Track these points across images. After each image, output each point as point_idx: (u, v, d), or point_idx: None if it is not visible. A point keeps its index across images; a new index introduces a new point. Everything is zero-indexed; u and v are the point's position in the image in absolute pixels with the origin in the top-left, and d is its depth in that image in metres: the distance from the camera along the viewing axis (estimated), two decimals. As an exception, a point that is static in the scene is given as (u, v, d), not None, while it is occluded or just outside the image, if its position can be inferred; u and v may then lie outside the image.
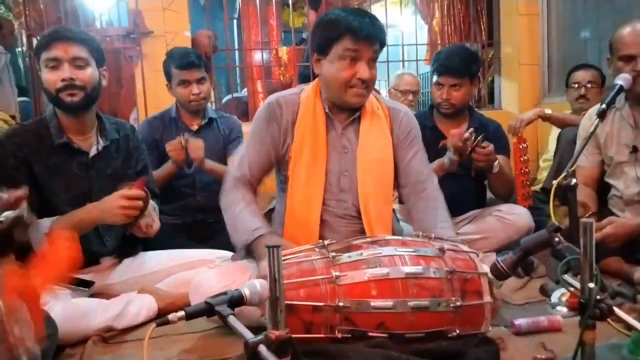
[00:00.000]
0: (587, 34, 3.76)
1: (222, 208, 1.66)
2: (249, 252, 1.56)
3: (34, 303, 0.78)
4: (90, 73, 1.67)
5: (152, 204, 1.71)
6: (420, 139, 1.80)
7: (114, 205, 1.54)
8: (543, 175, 3.04)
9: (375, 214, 1.65)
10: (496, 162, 2.06)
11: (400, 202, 2.30)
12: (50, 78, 1.64)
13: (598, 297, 1.03)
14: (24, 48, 4.37)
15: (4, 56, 4.29)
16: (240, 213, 1.59)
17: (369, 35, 1.55)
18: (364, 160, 1.67)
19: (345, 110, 1.68)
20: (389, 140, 1.72)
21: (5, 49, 4.12)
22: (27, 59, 4.27)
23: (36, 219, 1.53)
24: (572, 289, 1.12)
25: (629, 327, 1.13)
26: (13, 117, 2.72)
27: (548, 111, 2.71)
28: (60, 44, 1.63)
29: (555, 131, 2.90)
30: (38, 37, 3.60)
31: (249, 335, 0.93)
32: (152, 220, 1.66)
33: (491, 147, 2.01)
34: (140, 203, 1.55)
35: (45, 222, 1.57)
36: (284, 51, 3.99)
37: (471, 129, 2.01)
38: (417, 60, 4.18)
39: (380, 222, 1.65)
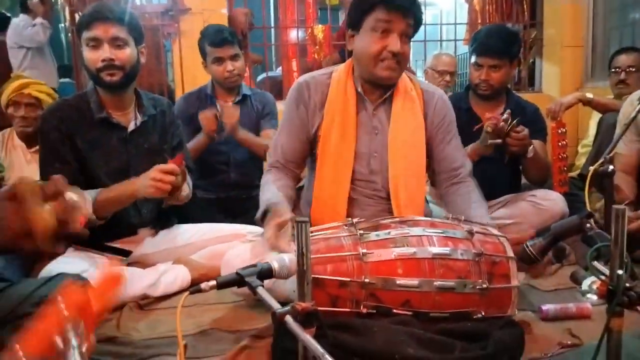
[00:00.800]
0: (637, 16, 3.60)
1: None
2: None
3: (89, 319, 0.89)
4: (129, 53, 1.72)
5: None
6: (455, 123, 1.77)
7: (147, 176, 1.58)
8: (581, 161, 2.96)
9: (405, 197, 1.64)
10: (531, 147, 2.01)
11: (431, 184, 2.30)
12: (91, 57, 1.69)
13: (627, 284, 1.02)
14: (67, 24, 4.48)
15: (48, 30, 4.43)
16: (263, 192, 1.62)
17: (402, 6, 1.53)
18: (395, 142, 1.66)
19: (377, 89, 1.67)
20: (421, 123, 1.70)
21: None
22: (69, 34, 4.40)
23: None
24: (601, 276, 1.11)
25: (660, 317, 1.11)
26: (55, 90, 2.84)
27: (589, 95, 2.64)
28: (100, 24, 1.67)
29: (596, 116, 2.82)
30: (80, 14, 3.71)
31: (276, 305, 0.96)
32: (183, 188, 1.69)
33: (526, 131, 1.96)
34: (173, 178, 1.57)
35: (90, 194, 1.64)
36: (319, 29, 3.97)
37: (508, 110, 1.97)
38: (455, 40, 4.10)
39: (410, 206, 1.64)
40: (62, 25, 6.98)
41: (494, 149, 2.01)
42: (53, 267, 1.56)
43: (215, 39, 2.36)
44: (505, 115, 1.93)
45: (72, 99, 1.82)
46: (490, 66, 2.18)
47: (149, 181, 1.56)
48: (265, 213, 1.50)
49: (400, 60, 1.58)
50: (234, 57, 2.39)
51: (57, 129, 1.70)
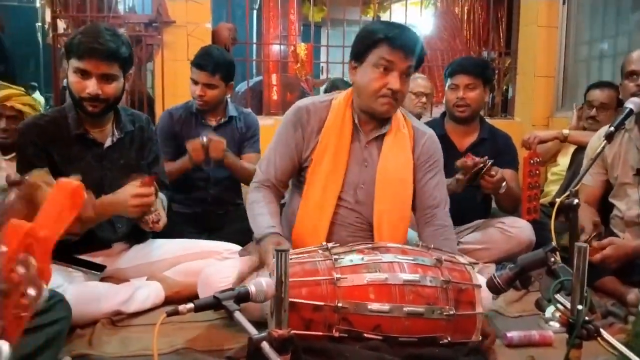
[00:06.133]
0: (605, 49, 3.76)
1: (246, 206, 1.73)
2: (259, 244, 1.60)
3: (43, 254, 0.76)
4: (116, 86, 1.71)
5: (160, 197, 1.76)
6: (442, 164, 1.80)
7: (126, 202, 1.61)
8: (550, 188, 3.05)
9: (388, 230, 1.66)
10: (503, 184, 2.06)
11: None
12: (77, 85, 1.67)
13: (586, 318, 1.08)
14: (46, 26, 4.41)
15: None
16: (259, 210, 1.65)
17: (405, 46, 1.57)
18: (383, 176, 1.69)
19: (373, 121, 1.70)
20: (410, 160, 1.73)
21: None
22: (47, 37, 4.32)
23: None
24: (562, 308, 1.16)
25: (618, 347, 1.17)
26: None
27: (566, 132, 2.69)
28: (93, 59, 1.64)
29: (568, 146, 2.89)
30: (62, 20, 3.68)
31: (253, 331, 0.98)
32: (159, 215, 1.72)
33: (500, 174, 2.01)
34: (151, 199, 1.61)
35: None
36: (302, 47, 4.02)
37: (486, 157, 2.00)
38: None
39: (391, 239, 1.63)
40: (39, 24, 6.80)
41: (466, 187, 2.06)
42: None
43: (198, 61, 2.37)
44: (479, 160, 1.99)
45: (50, 114, 1.81)
46: (467, 85, 2.26)
47: (130, 207, 1.61)
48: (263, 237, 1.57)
49: (398, 97, 1.63)
50: (207, 85, 2.35)
51: (33, 143, 1.70)
